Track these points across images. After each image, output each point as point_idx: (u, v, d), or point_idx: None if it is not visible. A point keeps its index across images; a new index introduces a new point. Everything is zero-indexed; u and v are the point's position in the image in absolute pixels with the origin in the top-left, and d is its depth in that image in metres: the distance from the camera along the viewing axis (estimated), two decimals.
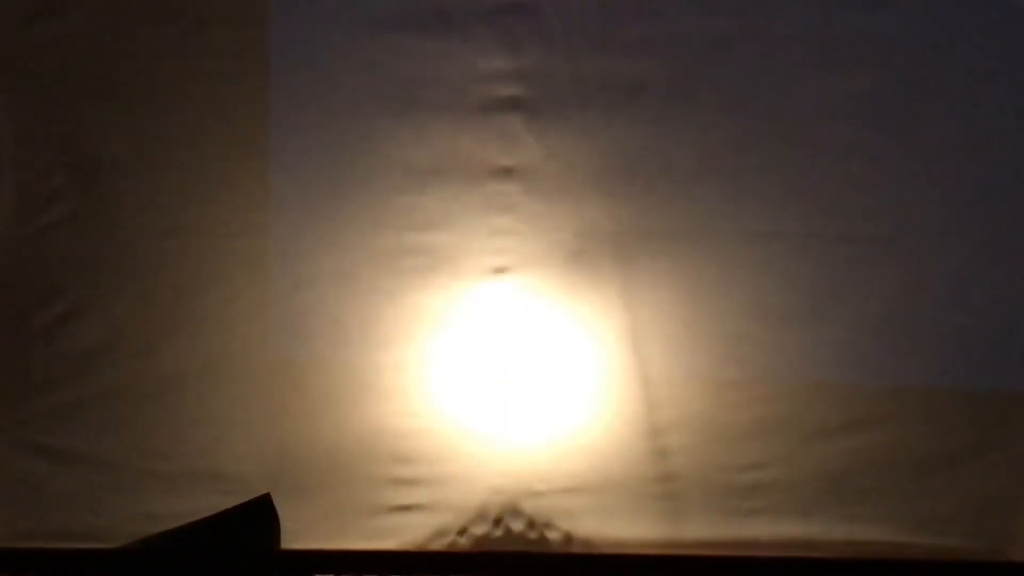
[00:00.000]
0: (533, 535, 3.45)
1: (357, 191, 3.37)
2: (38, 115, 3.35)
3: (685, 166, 3.40)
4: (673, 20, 3.36)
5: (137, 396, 3.39)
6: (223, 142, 3.36)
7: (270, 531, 3.15)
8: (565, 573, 3.38)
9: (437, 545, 3.43)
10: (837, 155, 3.42)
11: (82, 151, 3.36)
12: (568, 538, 3.46)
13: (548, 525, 3.46)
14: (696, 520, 3.46)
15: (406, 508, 3.43)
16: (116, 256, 3.37)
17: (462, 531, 3.44)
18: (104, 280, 3.38)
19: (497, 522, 3.44)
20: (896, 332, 3.44)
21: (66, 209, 3.36)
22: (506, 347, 3.43)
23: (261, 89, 3.35)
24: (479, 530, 3.44)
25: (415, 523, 3.44)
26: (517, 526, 3.45)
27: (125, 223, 3.37)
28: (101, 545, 3.38)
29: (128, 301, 3.38)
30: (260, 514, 3.14)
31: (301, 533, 3.38)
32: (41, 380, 3.39)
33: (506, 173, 3.39)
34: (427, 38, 3.35)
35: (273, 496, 3.30)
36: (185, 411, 3.40)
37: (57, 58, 3.34)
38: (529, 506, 3.45)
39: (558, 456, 3.46)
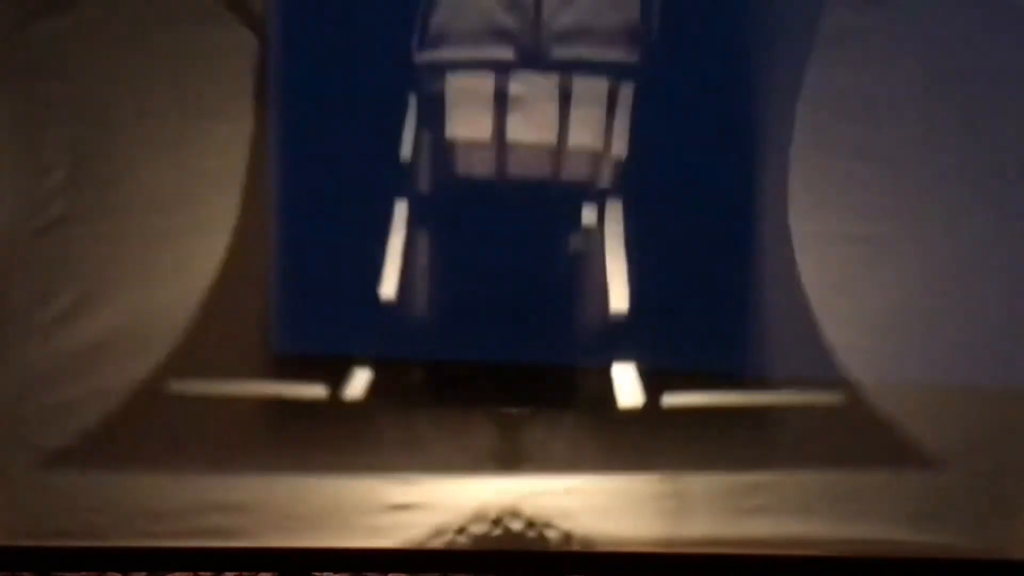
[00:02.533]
0: (532, 534, 3.44)
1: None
2: (36, 114, 3.36)
3: None
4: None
5: (136, 395, 3.40)
6: (221, 141, 3.37)
7: None
8: (564, 571, 3.39)
9: (435, 544, 3.42)
10: (839, 153, 3.41)
11: (80, 150, 3.37)
12: (567, 537, 3.45)
13: (548, 524, 3.45)
14: (697, 519, 3.45)
15: (405, 507, 3.43)
16: (114, 255, 3.38)
17: (460, 530, 3.43)
18: (102, 279, 3.39)
19: (496, 521, 3.44)
20: (897, 331, 3.43)
21: (64, 208, 3.38)
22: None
23: (260, 87, 3.35)
24: (478, 529, 3.44)
25: (413, 522, 3.43)
26: (516, 526, 3.44)
27: (123, 222, 3.38)
28: (101, 544, 3.40)
29: (126, 301, 3.39)
30: None
31: (299, 531, 3.39)
32: (41, 379, 3.39)
33: None
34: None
35: (271, 496, 3.34)
36: (184, 410, 3.40)
37: (56, 56, 3.35)
38: (528, 505, 3.45)
39: None
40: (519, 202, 3.12)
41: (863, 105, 3.40)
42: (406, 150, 3.20)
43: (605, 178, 3.18)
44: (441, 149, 3.14)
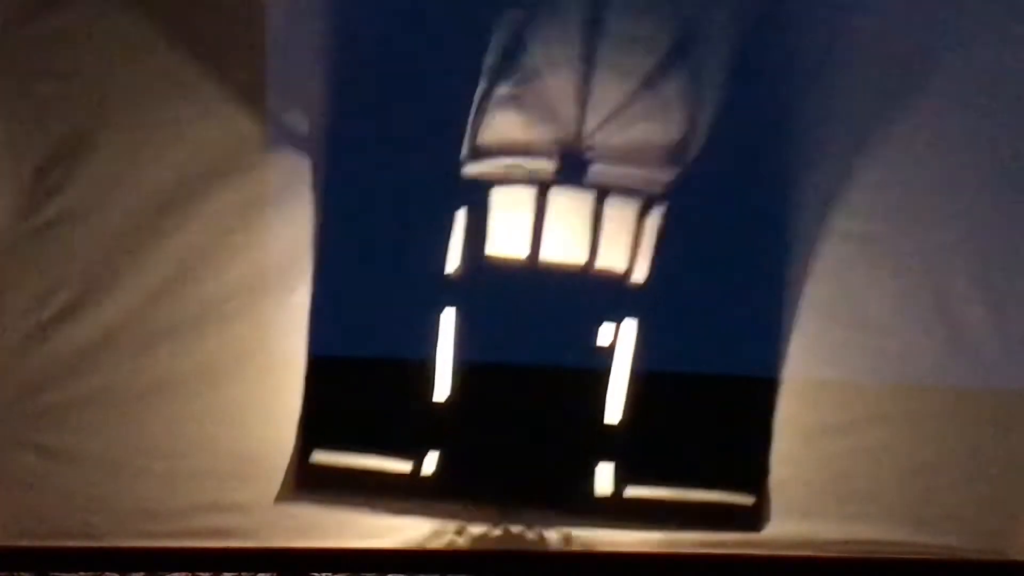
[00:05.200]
0: (532, 535, 3.44)
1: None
2: (35, 112, 3.36)
3: None
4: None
5: (135, 394, 3.40)
6: (221, 139, 3.37)
7: None
8: (564, 572, 3.39)
9: (435, 544, 3.42)
10: (837, 153, 3.42)
11: (79, 148, 3.36)
12: (567, 538, 3.45)
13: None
14: None
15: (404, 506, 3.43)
16: (113, 254, 3.38)
17: (460, 531, 3.43)
18: (101, 278, 3.38)
19: (496, 522, 3.43)
20: (896, 331, 3.44)
21: (62, 207, 3.37)
22: None
23: (259, 85, 3.35)
24: (477, 530, 3.43)
25: (414, 522, 3.43)
26: (515, 528, 3.44)
27: (122, 221, 3.38)
28: (99, 544, 3.39)
29: (125, 299, 3.38)
30: None
31: (301, 532, 3.39)
32: (38, 379, 3.38)
33: None
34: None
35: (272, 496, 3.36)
36: (183, 410, 3.40)
37: (54, 54, 3.35)
38: None
39: None
40: (545, 314, 3.30)
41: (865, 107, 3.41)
42: (446, 258, 3.32)
43: (626, 299, 3.33)
44: (479, 258, 3.31)
